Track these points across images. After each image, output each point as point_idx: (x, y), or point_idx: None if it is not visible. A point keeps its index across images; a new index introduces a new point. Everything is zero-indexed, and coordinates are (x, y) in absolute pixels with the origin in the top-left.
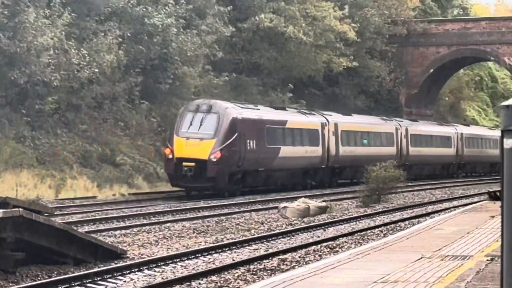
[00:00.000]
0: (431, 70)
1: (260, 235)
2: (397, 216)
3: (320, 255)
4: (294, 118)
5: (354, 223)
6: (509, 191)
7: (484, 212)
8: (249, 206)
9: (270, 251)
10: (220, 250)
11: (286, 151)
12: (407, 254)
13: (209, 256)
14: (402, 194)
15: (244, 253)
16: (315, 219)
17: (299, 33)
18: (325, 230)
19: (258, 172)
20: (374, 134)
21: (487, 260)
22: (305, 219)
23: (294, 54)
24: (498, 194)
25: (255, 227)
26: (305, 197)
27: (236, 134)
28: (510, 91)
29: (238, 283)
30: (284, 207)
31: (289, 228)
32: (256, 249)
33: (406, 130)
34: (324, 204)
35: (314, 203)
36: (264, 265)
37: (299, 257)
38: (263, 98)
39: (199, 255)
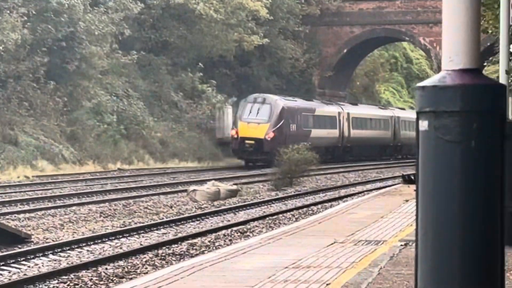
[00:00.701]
0: (345, 51)
1: (169, 219)
2: (309, 199)
3: (230, 240)
4: (320, 107)
5: (266, 206)
6: (424, 174)
7: (398, 196)
8: (158, 189)
9: (179, 235)
10: (127, 235)
11: (315, 132)
12: (320, 238)
13: (116, 241)
14: (315, 177)
15: (153, 237)
16: (225, 202)
17: (210, 10)
18: (235, 214)
19: None
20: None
21: (401, 245)
22: (215, 203)
23: (205, 32)
24: (412, 177)
25: (164, 210)
26: (215, 180)
27: (283, 120)
28: (425, 72)
29: (146, 268)
30: (194, 190)
31: (199, 212)
32: (165, 234)
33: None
34: (235, 187)
35: (224, 186)
36: (173, 250)
37: (209, 241)
38: (173, 77)
39: (106, 239)
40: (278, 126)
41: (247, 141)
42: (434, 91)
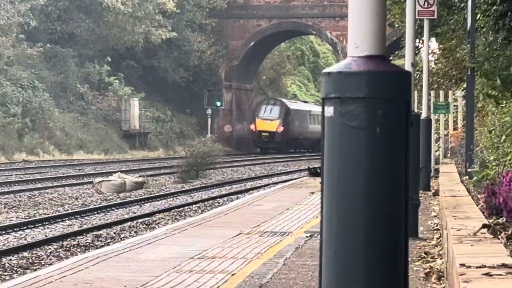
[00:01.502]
0: (252, 43)
1: (74, 210)
2: (215, 192)
3: (136, 231)
4: (314, 108)
5: (171, 199)
6: (329, 160)
7: (304, 188)
8: (63, 180)
9: (84, 227)
10: (32, 226)
11: (311, 127)
12: (225, 230)
13: (20, 232)
14: (221, 170)
15: (57, 229)
16: (131, 194)
17: (117, 2)
18: (141, 206)
19: (298, 139)
20: None
21: (306, 236)
22: (121, 195)
23: (112, 24)
24: (318, 170)
25: (69, 202)
26: (120, 172)
27: (290, 117)
28: (331, 65)
29: (51, 259)
30: (100, 182)
31: (104, 203)
32: (70, 225)
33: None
34: (141, 179)
35: (130, 178)
36: (78, 241)
37: (114, 233)
38: (79, 69)
39: (10, 230)
40: (286, 122)
41: (263, 133)
42: (340, 77)
